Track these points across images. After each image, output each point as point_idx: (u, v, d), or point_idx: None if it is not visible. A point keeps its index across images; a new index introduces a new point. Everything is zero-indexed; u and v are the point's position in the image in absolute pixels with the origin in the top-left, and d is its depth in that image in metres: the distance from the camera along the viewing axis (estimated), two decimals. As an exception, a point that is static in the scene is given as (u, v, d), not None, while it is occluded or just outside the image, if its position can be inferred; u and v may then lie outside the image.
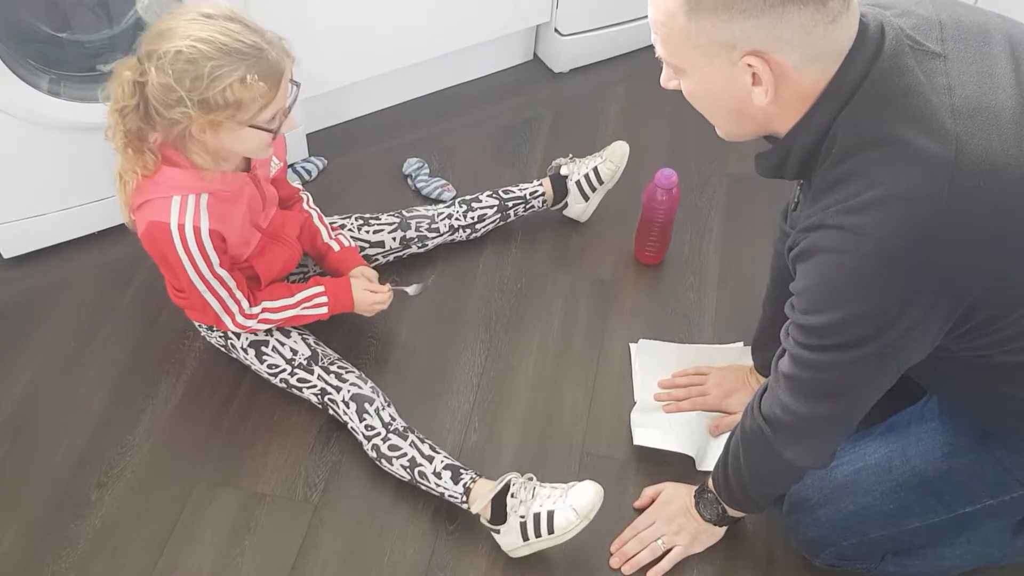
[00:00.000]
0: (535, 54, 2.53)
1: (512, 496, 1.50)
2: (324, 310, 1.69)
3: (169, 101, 1.38)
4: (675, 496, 1.58)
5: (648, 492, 1.62)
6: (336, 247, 1.79)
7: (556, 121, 2.36)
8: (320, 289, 1.68)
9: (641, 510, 1.61)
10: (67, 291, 1.93)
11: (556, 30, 2.41)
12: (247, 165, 1.59)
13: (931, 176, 1.02)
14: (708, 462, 1.67)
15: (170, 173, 1.48)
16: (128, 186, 1.49)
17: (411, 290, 1.80)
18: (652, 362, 1.84)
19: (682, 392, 1.76)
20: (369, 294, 1.72)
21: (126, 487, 1.63)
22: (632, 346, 1.87)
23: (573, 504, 1.47)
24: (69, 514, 1.59)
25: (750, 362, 1.76)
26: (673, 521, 1.56)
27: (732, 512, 1.50)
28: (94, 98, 1.80)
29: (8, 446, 1.68)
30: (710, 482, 1.51)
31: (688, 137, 2.31)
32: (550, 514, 1.47)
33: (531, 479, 1.53)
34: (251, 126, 1.43)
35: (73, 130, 1.79)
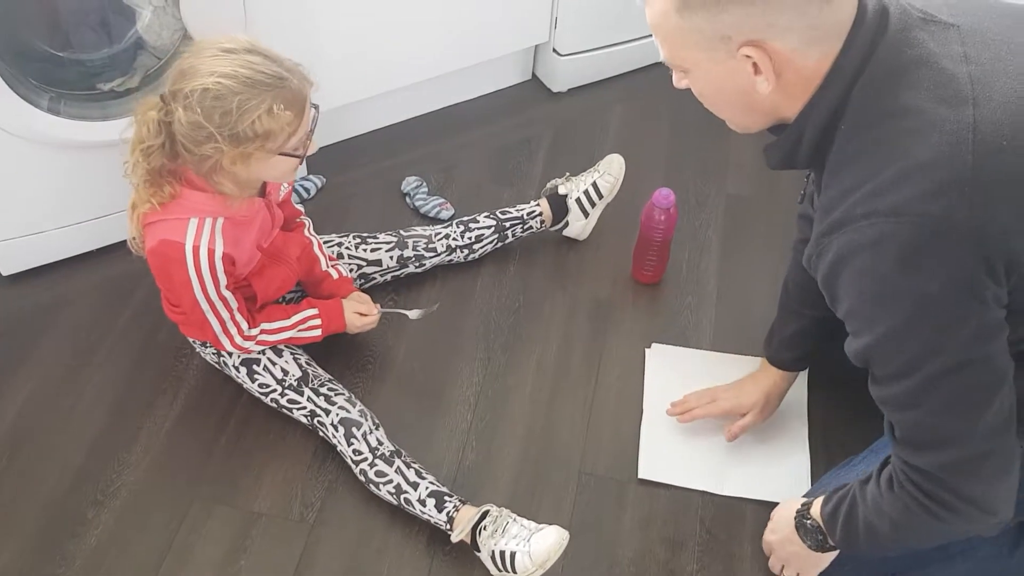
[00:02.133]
0: (533, 74, 2.54)
1: (484, 528, 1.51)
2: (318, 332, 1.71)
3: (199, 138, 1.40)
4: (780, 524, 1.48)
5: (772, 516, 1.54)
6: (335, 275, 1.80)
7: (554, 140, 2.37)
8: (314, 312, 1.70)
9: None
10: (66, 309, 1.93)
11: (554, 50, 2.42)
12: (262, 190, 1.61)
13: (952, 141, 0.99)
14: (730, 485, 1.67)
15: (192, 196, 1.49)
16: (138, 212, 1.50)
17: (412, 314, 1.80)
18: (665, 367, 1.84)
19: (692, 403, 1.72)
20: (359, 316, 1.75)
21: (122, 505, 1.63)
22: (647, 350, 1.87)
23: (531, 551, 1.47)
24: (65, 532, 1.59)
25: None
26: (784, 551, 1.49)
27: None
28: (94, 116, 1.81)
29: (5, 463, 1.67)
30: (815, 512, 1.37)
31: (686, 156, 2.32)
32: (512, 555, 1.48)
33: (501, 513, 1.52)
34: (281, 153, 1.46)
35: (73, 148, 1.80)
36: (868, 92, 1.04)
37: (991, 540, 1.40)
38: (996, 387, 1.08)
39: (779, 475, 1.64)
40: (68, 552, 1.56)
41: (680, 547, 1.60)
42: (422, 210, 2.15)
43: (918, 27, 1.05)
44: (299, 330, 1.69)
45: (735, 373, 1.77)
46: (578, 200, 2.00)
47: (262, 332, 1.65)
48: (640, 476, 1.69)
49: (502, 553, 1.49)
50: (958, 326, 1.04)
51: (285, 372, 1.69)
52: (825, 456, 1.70)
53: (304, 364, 1.71)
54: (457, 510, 1.54)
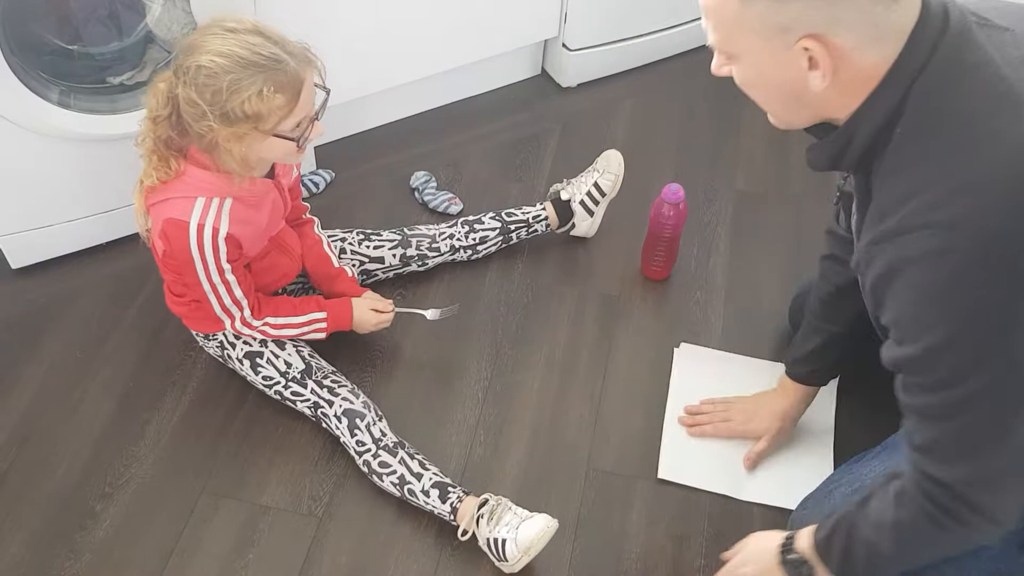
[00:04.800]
0: (543, 69, 2.54)
1: (481, 517, 1.51)
2: (322, 335, 1.73)
3: (195, 114, 1.42)
4: (755, 557, 1.40)
5: (738, 546, 1.46)
6: (349, 273, 1.81)
7: (563, 136, 2.37)
8: (323, 315, 1.70)
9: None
10: (74, 302, 1.93)
11: (564, 45, 2.42)
12: (271, 172, 1.61)
13: (1012, 152, 0.98)
14: (749, 491, 1.66)
15: (198, 174, 1.50)
16: (143, 186, 1.51)
17: (430, 314, 1.80)
18: (692, 368, 1.84)
19: (705, 417, 1.74)
20: (373, 314, 1.75)
21: (131, 498, 1.63)
22: (675, 350, 1.87)
23: (517, 538, 1.48)
24: (73, 525, 1.59)
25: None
26: None
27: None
28: (104, 110, 1.81)
29: (14, 457, 1.68)
30: (802, 546, 1.31)
31: (695, 152, 2.31)
32: (503, 542, 1.49)
33: (500, 502, 1.53)
34: (275, 135, 1.46)
35: (82, 142, 1.80)
36: (927, 96, 1.02)
37: (1000, 540, 1.39)
38: None
39: (800, 483, 1.60)
40: (76, 545, 1.57)
41: (687, 542, 1.60)
42: (431, 205, 2.14)
43: (975, 31, 1.04)
44: (305, 330, 1.70)
45: (763, 378, 1.76)
46: (581, 202, 2.00)
47: (265, 324, 1.65)
48: (660, 476, 1.68)
49: (495, 541, 1.50)
50: (1004, 343, 1.02)
51: (288, 365, 1.69)
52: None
53: (307, 356, 1.71)
54: (461, 501, 1.54)
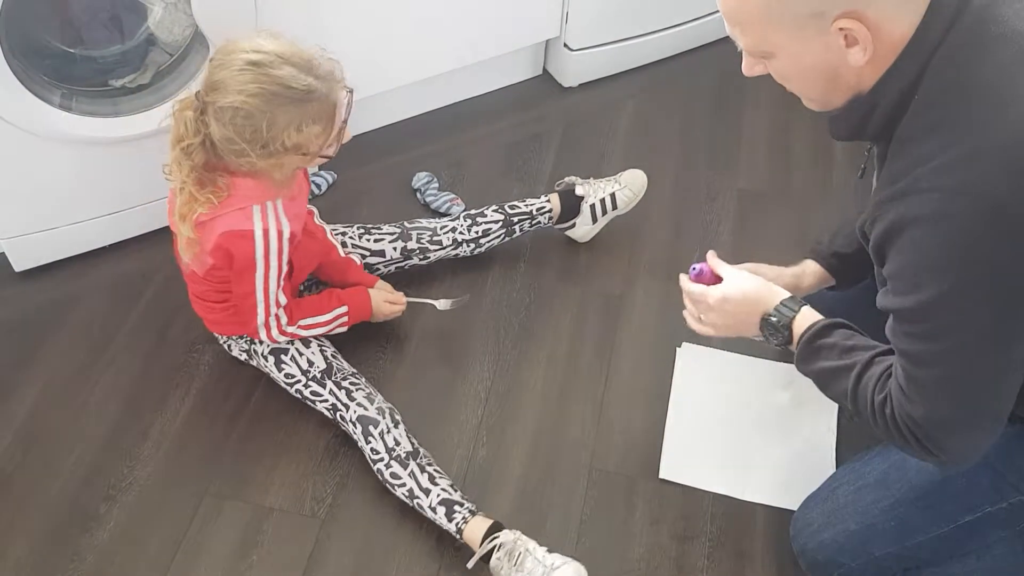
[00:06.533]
0: (544, 69, 2.54)
1: (497, 560, 1.48)
2: (343, 329, 1.75)
3: (236, 151, 1.43)
4: (743, 302, 1.41)
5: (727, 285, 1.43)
6: (358, 260, 1.84)
7: (565, 136, 2.37)
8: (344, 308, 1.73)
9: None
10: (78, 305, 1.94)
11: (565, 45, 2.42)
12: None
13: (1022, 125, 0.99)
14: (750, 491, 1.66)
15: (244, 184, 1.50)
16: (194, 215, 1.48)
17: (441, 305, 1.82)
18: (694, 368, 1.84)
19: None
20: (388, 305, 1.79)
21: (135, 500, 1.63)
22: (677, 349, 1.87)
23: None
24: (77, 527, 1.59)
25: (794, 383, 1.74)
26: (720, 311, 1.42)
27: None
28: (105, 113, 1.81)
29: (19, 459, 1.68)
30: (798, 324, 1.33)
31: (698, 151, 2.31)
32: None
33: (516, 543, 1.48)
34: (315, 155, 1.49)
35: (84, 144, 1.81)
36: (947, 65, 1.03)
37: (1006, 539, 1.39)
38: (1011, 367, 1.11)
39: (802, 483, 1.60)
40: (80, 547, 1.57)
41: (690, 543, 1.60)
42: (433, 206, 2.15)
43: (1003, 2, 1.04)
44: (332, 326, 1.72)
45: (765, 377, 1.77)
46: (592, 206, 1.99)
47: (299, 327, 1.67)
48: (661, 476, 1.68)
49: None
50: (991, 310, 1.05)
51: (311, 363, 1.69)
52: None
53: (330, 356, 1.72)
54: (466, 522, 1.53)
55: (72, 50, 1.83)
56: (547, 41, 2.46)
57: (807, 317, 1.33)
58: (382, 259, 1.92)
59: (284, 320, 1.64)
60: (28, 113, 1.71)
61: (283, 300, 1.62)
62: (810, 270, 1.61)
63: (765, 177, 2.25)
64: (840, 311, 1.35)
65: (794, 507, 1.56)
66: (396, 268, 1.95)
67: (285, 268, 1.58)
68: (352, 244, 1.89)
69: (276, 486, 1.66)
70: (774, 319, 1.36)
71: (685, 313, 1.50)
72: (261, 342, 1.71)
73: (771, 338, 1.38)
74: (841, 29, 1.02)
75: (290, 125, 1.41)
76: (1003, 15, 1.04)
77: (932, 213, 1.03)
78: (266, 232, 1.52)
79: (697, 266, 1.52)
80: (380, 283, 1.84)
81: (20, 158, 1.77)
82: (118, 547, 1.57)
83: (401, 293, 1.82)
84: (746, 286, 1.41)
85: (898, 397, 1.17)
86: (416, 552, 1.58)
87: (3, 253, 1.95)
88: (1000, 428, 1.18)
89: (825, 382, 1.29)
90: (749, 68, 1.15)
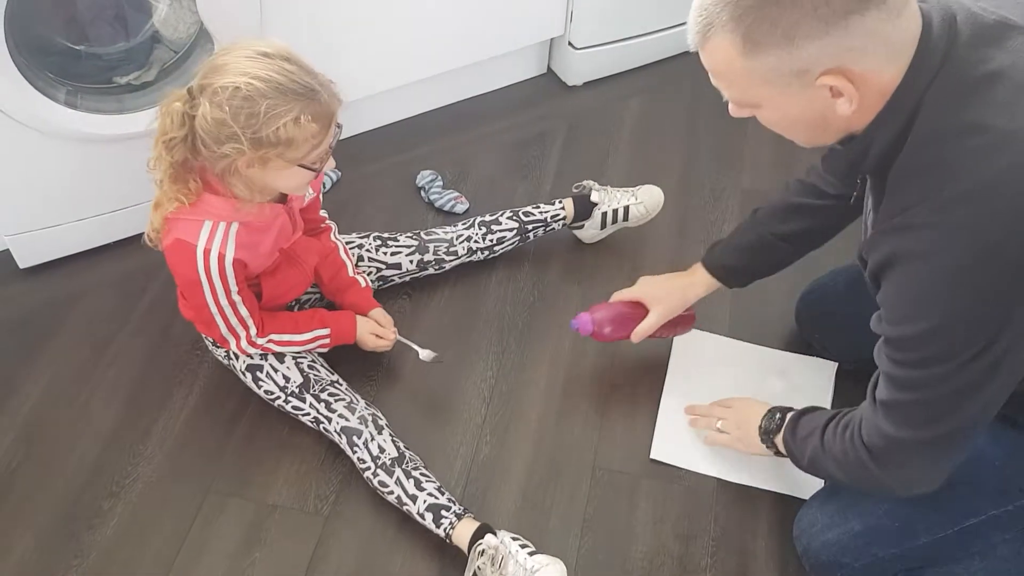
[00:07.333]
0: (549, 67, 2.54)
1: (480, 565, 1.47)
2: (325, 350, 1.73)
3: (221, 136, 1.39)
4: (745, 413, 1.59)
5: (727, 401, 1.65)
6: (362, 283, 1.81)
7: (569, 134, 2.37)
8: (326, 331, 1.70)
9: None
10: (82, 302, 1.94)
11: (570, 43, 2.42)
12: (283, 197, 1.60)
13: (1015, 164, 1.00)
14: (744, 475, 1.66)
15: (209, 199, 1.49)
16: (163, 211, 1.48)
17: (423, 355, 1.76)
18: (691, 352, 1.84)
19: (701, 421, 1.71)
20: (373, 338, 1.74)
21: (138, 497, 1.64)
22: (675, 337, 1.87)
23: None
24: (81, 524, 1.60)
25: (788, 370, 1.77)
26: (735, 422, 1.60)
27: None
28: (110, 110, 1.82)
29: (22, 456, 1.69)
30: (779, 439, 1.49)
31: (702, 150, 2.31)
32: None
33: (499, 547, 1.47)
34: (299, 164, 1.45)
35: (89, 142, 1.81)
36: (937, 107, 1.05)
37: (1009, 540, 1.39)
38: (987, 394, 1.14)
39: (793, 467, 1.62)
40: (84, 544, 1.57)
41: (693, 541, 1.60)
42: (437, 204, 2.15)
43: (993, 38, 1.05)
44: (310, 346, 1.70)
45: (760, 363, 1.78)
46: (604, 213, 1.99)
47: (270, 342, 1.65)
48: (652, 456, 1.69)
49: None
50: (972, 350, 1.08)
51: (287, 379, 1.68)
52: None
53: (306, 368, 1.70)
54: (453, 527, 1.52)
55: (77, 47, 1.84)
56: (552, 40, 2.46)
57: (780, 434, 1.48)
58: (398, 271, 1.91)
59: (253, 331, 1.62)
60: (33, 110, 1.71)
61: (244, 313, 1.59)
62: (699, 279, 1.72)
63: (769, 177, 2.25)
64: (845, 301, 1.40)
65: (785, 491, 1.61)
66: (411, 278, 1.95)
67: (235, 288, 1.54)
68: (368, 257, 1.88)
69: (279, 483, 1.66)
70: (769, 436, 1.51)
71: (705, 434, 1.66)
72: (236, 356, 1.70)
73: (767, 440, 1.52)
74: (826, 84, 1.04)
75: (289, 114, 1.38)
76: (990, 54, 1.05)
77: (925, 249, 1.05)
78: (207, 252, 1.49)
79: (575, 322, 1.71)
80: (376, 312, 1.78)
81: (25, 155, 1.77)
82: (121, 544, 1.58)
83: (393, 330, 1.76)
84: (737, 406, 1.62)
85: (871, 417, 1.23)
86: (419, 549, 1.58)
87: (8, 250, 1.96)
88: (960, 457, 1.23)
89: (831, 474, 1.39)
90: (736, 112, 1.17)
